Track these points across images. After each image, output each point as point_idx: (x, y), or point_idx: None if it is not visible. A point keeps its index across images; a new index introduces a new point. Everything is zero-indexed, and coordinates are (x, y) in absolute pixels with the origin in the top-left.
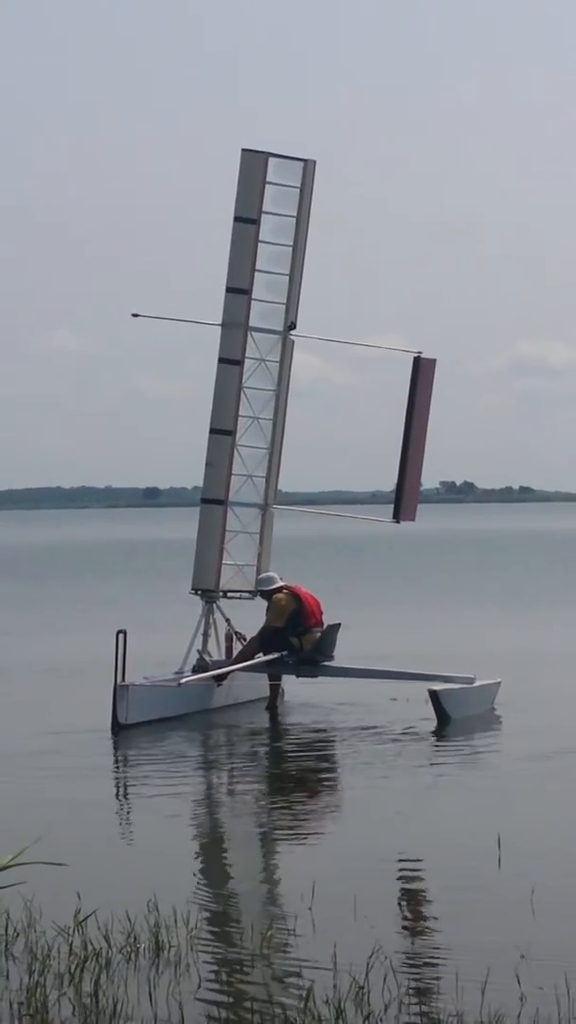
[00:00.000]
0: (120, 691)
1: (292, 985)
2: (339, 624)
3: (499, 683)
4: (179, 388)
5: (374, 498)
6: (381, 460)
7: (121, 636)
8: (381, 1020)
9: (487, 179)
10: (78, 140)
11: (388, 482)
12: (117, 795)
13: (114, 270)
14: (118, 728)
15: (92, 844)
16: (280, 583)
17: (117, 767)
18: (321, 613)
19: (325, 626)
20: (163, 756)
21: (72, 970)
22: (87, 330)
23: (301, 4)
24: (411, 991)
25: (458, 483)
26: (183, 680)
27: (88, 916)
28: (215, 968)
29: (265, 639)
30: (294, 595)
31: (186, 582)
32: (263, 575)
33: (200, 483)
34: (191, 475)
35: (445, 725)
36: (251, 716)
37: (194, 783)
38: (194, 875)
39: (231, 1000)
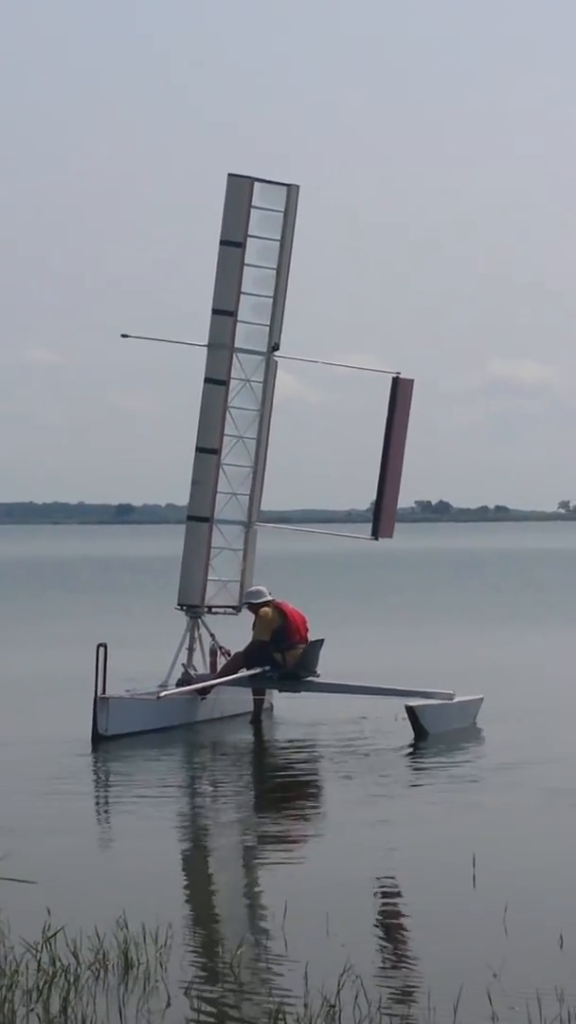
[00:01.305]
0: (100, 703)
1: (263, 1003)
2: (322, 640)
3: (481, 699)
4: (154, 405)
5: (349, 517)
6: (356, 479)
7: (102, 649)
8: None
9: (460, 199)
10: (60, 156)
11: (363, 501)
12: (92, 808)
13: (91, 287)
14: (98, 739)
15: (63, 859)
16: (268, 597)
17: (95, 780)
18: (306, 630)
19: (308, 642)
20: (141, 769)
21: (40, 986)
22: (63, 345)
23: (282, 17)
24: (382, 1010)
25: (433, 503)
26: (163, 694)
27: (57, 932)
28: (184, 986)
29: (251, 653)
30: (279, 610)
31: (163, 598)
32: (252, 589)
33: (174, 500)
34: (164, 492)
35: (422, 740)
36: (233, 730)
37: (170, 798)
38: (165, 892)
39: (200, 1018)
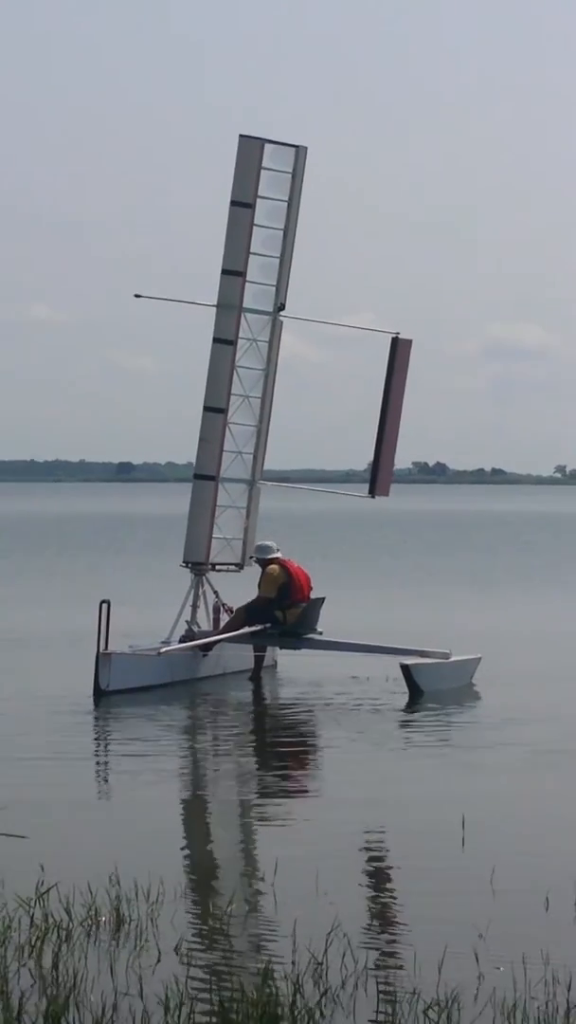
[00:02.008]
0: (103, 659)
1: (251, 960)
2: (323, 598)
3: (479, 659)
4: (155, 364)
5: (347, 477)
6: (355, 440)
7: (104, 606)
8: (338, 996)
9: (463, 163)
10: (62, 121)
11: (361, 461)
12: (89, 764)
13: (94, 246)
14: (100, 695)
15: (58, 814)
16: (276, 553)
17: (94, 735)
18: (310, 589)
19: (309, 600)
20: (141, 725)
21: (33, 942)
22: (65, 303)
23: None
24: (369, 968)
25: (431, 464)
26: (164, 649)
27: (50, 888)
28: (175, 942)
29: (255, 609)
30: (285, 568)
31: (163, 556)
32: (261, 543)
33: (173, 459)
34: (165, 451)
35: (417, 698)
36: (234, 687)
37: (167, 753)
38: (157, 848)
39: (190, 975)
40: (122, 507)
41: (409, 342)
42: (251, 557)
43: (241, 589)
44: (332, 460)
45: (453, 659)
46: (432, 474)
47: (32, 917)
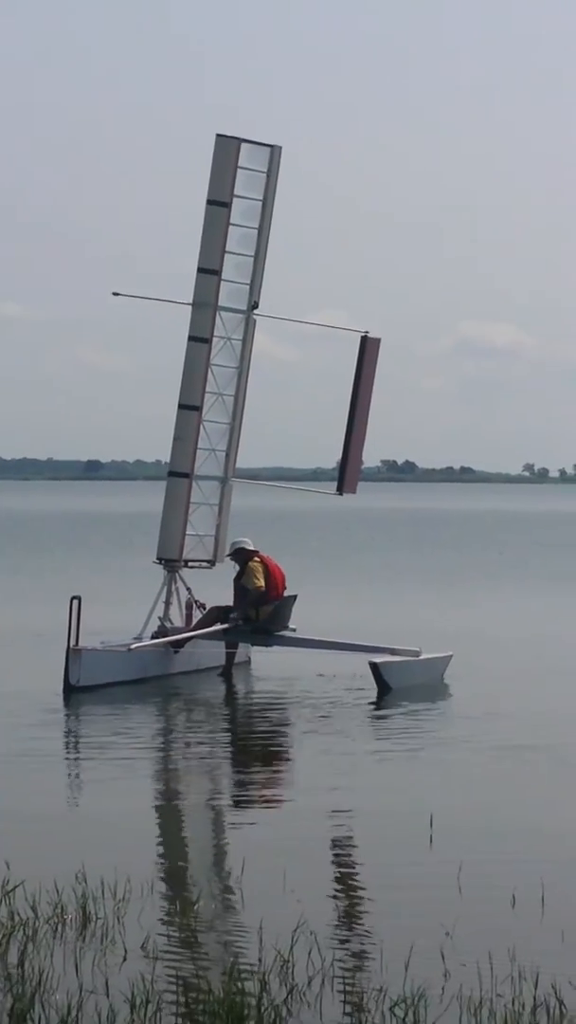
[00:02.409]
0: (73, 654)
1: (218, 958)
2: (295, 596)
3: (450, 656)
4: (125, 362)
5: (315, 475)
6: (323, 438)
7: (75, 602)
8: (305, 994)
9: (433, 160)
10: (38, 119)
11: (330, 459)
12: (58, 760)
13: (63, 242)
14: (70, 690)
15: (25, 811)
16: (252, 548)
17: (63, 731)
18: (284, 587)
19: (281, 598)
20: (110, 721)
21: None
22: (33, 300)
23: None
24: (336, 965)
25: (400, 462)
26: (134, 646)
27: (16, 887)
28: (141, 940)
29: (253, 600)
30: (263, 564)
31: (132, 554)
32: (239, 540)
33: (142, 457)
34: (133, 449)
35: (385, 695)
36: (204, 683)
37: (136, 751)
38: (124, 846)
39: (157, 972)
40: (90, 505)
41: (377, 341)
42: (227, 555)
43: (213, 585)
44: (300, 458)
45: (423, 657)
46: (401, 472)
47: None
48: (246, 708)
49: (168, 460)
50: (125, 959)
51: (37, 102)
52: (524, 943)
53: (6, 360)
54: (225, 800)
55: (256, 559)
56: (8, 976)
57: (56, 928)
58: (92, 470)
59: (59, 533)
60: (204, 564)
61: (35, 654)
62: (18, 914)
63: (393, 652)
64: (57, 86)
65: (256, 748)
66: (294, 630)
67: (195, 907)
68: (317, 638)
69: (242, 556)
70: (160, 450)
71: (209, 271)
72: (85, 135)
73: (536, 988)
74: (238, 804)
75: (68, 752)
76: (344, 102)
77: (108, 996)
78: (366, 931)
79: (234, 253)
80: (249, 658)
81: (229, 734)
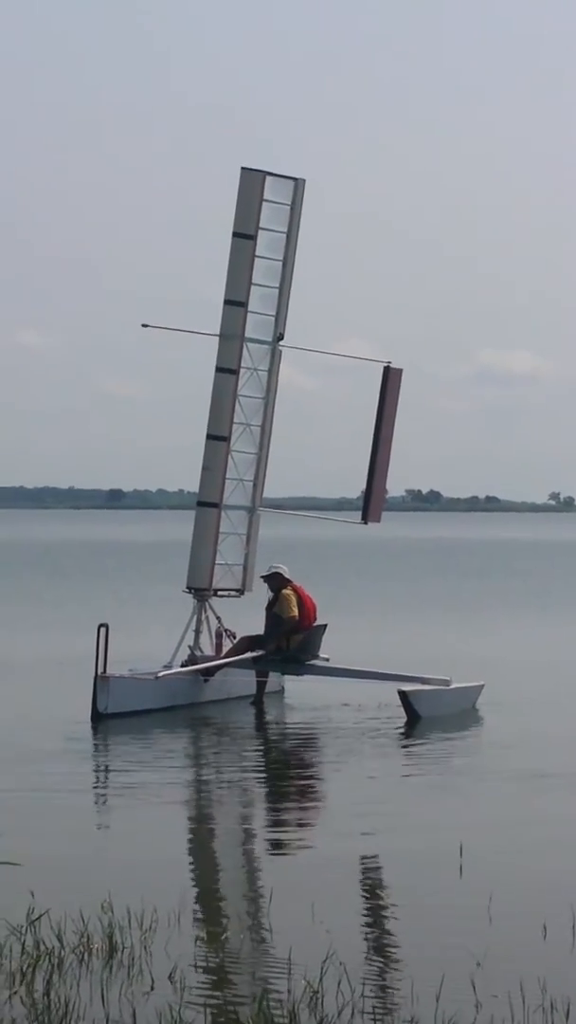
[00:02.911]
0: (101, 681)
1: (246, 988)
2: (325, 625)
3: (482, 686)
4: (146, 391)
5: (339, 505)
6: (347, 467)
7: (103, 629)
8: None
9: (453, 188)
10: (53, 144)
11: (354, 489)
12: (84, 788)
13: (84, 272)
14: (98, 718)
15: (51, 839)
16: (287, 577)
17: (91, 759)
18: (315, 617)
19: (311, 627)
20: (137, 749)
21: (24, 969)
22: (53, 329)
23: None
24: (365, 996)
25: (424, 492)
26: (161, 673)
27: (41, 915)
28: (168, 970)
29: (287, 630)
30: (296, 593)
31: (157, 583)
32: (276, 565)
33: (164, 486)
34: (155, 478)
35: (415, 724)
36: (235, 711)
37: (163, 780)
38: (150, 875)
39: (183, 1003)
40: (112, 534)
41: (400, 371)
42: (262, 576)
43: (242, 615)
44: (324, 488)
45: (454, 686)
46: (426, 502)
47: (23, 944)
48: (275, 737)
49: (192, 489)
50: (152, 989)
51: (64, 138)
52: (556, 973)
53: (28, 389)
54: (253, 830)
55: (289, 588)
56: (34, 1005)
57: (82, 957)
58: (114, 499)
59: (81, 562)
60: (233, 593)
61: (59, 682)
62: (44, 943)
63: (424, 681)
64: (67, 104)
65: (284, 778)
66: (327, 659)
67: (223, 937)
68: (347, 667)
69: (276, 583)
70: (182, 479)
71: (236, 303)
72: (107, 164)
73: (568, 1019)
74: (266, 834)
75: (95, 780)
76: (354, 123)
77: None
78: (396, 962)
79: (260, 285)
80: (283, 687)
81: (257, 763)
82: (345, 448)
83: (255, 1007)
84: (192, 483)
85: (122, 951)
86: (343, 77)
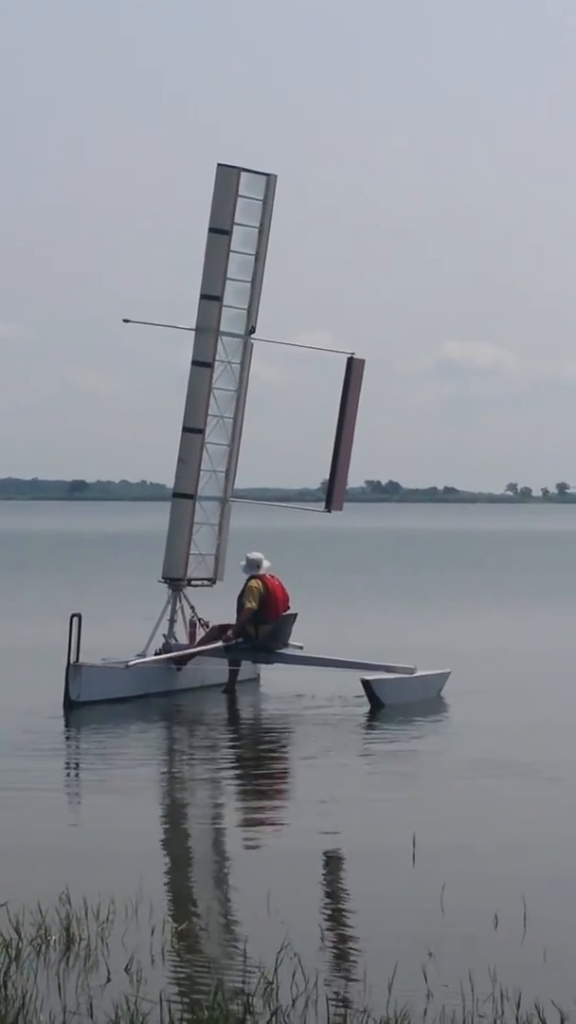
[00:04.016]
0: (73, 670)
1: (202, 979)
2: (295, 615)
3: (447, 673)
4: (110, 383)
5: (301, 496)
6: (308, 458)
7: (75, 619)
8: (289, 1015)
9: (416, 178)
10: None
11: (315, 480)
12: (45, 778)
13: (48, 263)
14: (70, 706)
15: (10, 830)
16: (261, 570)
17: (55, 749)
18: (286, 607)
19: (280, 616)
20: (104, 739)
21: None
22: (17, 321)
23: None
24: (319, 986)
25: (383, 482)
26: (131, 662)
27: (0, 906)
28: (125, 962)
29: (242, 618)
30: (265, 585)
31: (126, 573)
32: (253, 557)
33: (127, 477)
34: (118, 469)
35: (379, 711)
36: (206, 700)
37: (126, 769)
38: (108, 867)
39: (140, 994)
40: (77, 525)
41: (363, 362)
42: (242, 564)
43: (214, 604)
44: (285, 479)
45: (418, 674)
46: (385, 492)
47: None
48: (242, 726)
49: (155, 480)
50: (109, 980)
51: (40, 122)
52: (506, 963)
53: None
54: (212, 822)
55: (256, 579)
56: None
57: (40, 949)
58: (77, 490)
59: (47, 552)
60: (206, 582)
61: (30, 671)
62: (1, 935)
63: (389, 669)
64: (51, 98)
65: (244, 767)
66: (301, 647)
67: (179, 929)
68: (316, 656)
69: (250, 572)
70: (145, 471)
71: (211, 297)
72: (78, 156)
73: (518, 1008)
74: (225, 826)
75: (59, 770)
76: (330, 121)
77: (92, 1017)
78: (350, 951)
79: (233, 279)
80: (258, 675)
81: (222, 754)
82: (305, 439)
83: (211, 998)
84: (155, 475)
85: (79, 943)
86: (316, 76)
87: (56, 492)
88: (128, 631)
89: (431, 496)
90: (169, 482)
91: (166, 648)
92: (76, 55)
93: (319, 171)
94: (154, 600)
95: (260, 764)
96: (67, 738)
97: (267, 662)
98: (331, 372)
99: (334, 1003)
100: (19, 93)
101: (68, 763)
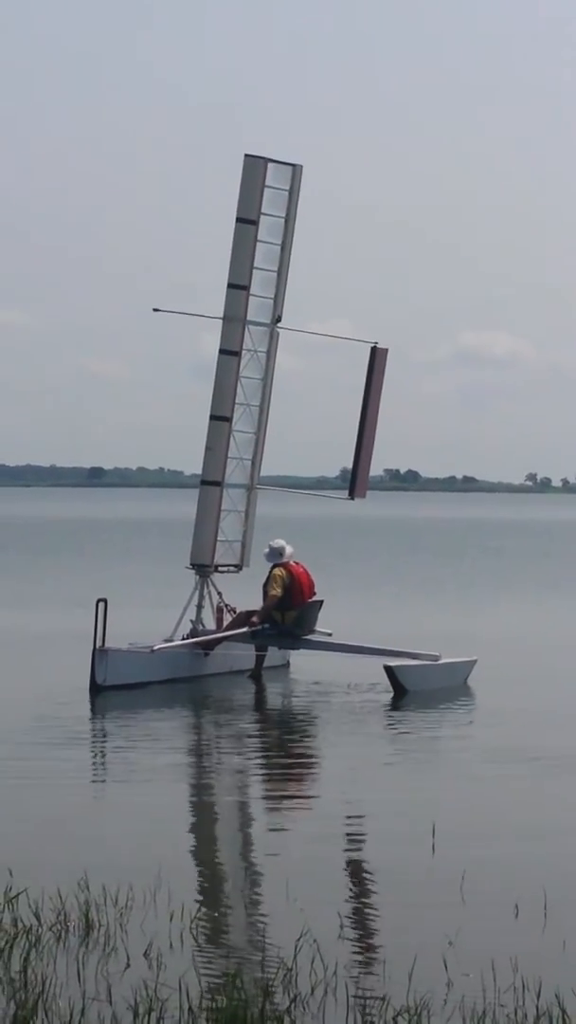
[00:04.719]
0: (99, 654)
1: (220, 966)
2: (321, 601)
3: (474, 661)
4: (127, 369)
5: (319, 484)
6: (326, 446)
7: (101, 604)
8: (308, 1003)
9: (435, 170)
10: (40, 132)
11: (333, 468)
12: (68, 762)
13: (67, 252)
14: (96, 690)
15: (29, 816)
16: (285, 558)
17: (77, 734)
18: (312, 594)
19: (306, 603)
20: (127, 723)
21: (1, 947)
22: (36, 308)
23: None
24: (339, 974)
25: (402, 471)
26: (156, 647)
27: (19, 893)
28: (144, 948)
29: (267, 605)
30: (290, 572)
31: (147, 560)
32: (276, 545)
33: (145, 464)
34: (136, 456)
35: (401, 697)
36: (231, 686)
37: (150, 751)
38: (127, 853)
39: (159, 980)
40: (95, 512)
41: (386, 351)
42: (264, 552)
43: (240, 590)
44: (302, 466)
45: (443, 661)
46: (404, 481)
47: (0, 922)
48: (266, 711)
49: (173, 468)
50: (128, 966)
51: (48, 107)
52: (527, 952)
53: (10, 368)
54: (232, 808)
55: (280, 567)
56: (11, 983)
57: (59, 935)
58: (95, 477)
59: (67, 539)
60: (232, 569)
61: (54, 657)
62: (21, 920)
63: (413, 656)
64: (70, 87)
65: (266, 752)
66: (330, 634)
67: (197, 915)
68: (342, 642)
69: (273, 560)
70: (163, 458)
71: (239, 287)
72: (96, 146)
73: (539, 998)
74: (244, 812)
75: (84, 754)
76: (350, 114)
77: (111, 1003)
78: (369, 940)
79: (260, 269)
80: (288, 661)
81: (242, 737)
82: (322, 427)
83: (229, 985)
84: (172, 462)
85: (98, 929)
86: (336, 70)
87: (74, 479)
88: (151, 617)
89: (450, 485)
90: (187, 469)
91: (193, 633)
92: (97, 46)
93: (334, 159)
94: (174, 587)
95: (281, 749)
96: (92, 722)
97: (292, 648)
98: (348, 360)
99: (353, 990)
100: (40, 85)
101: (92, 747)
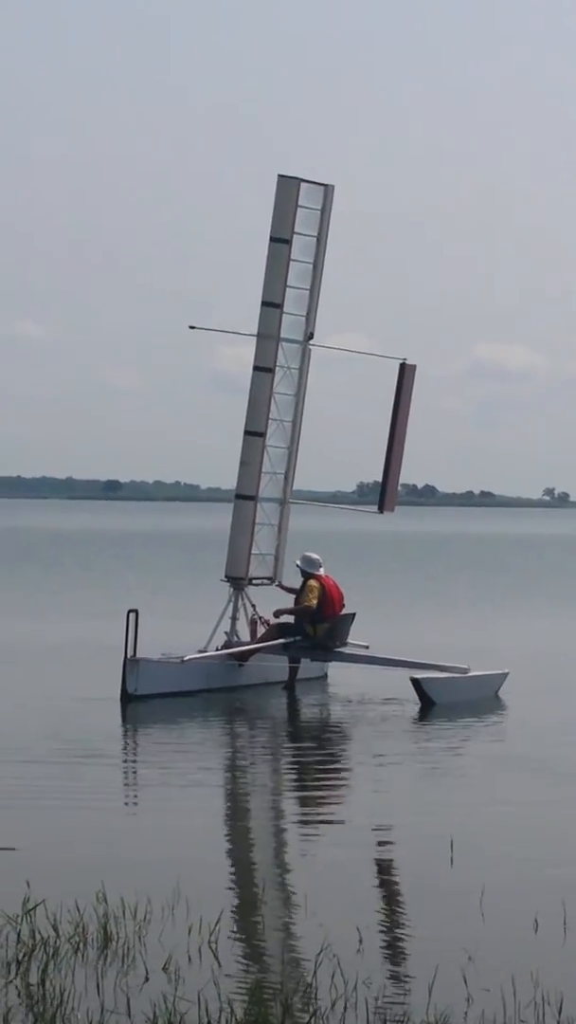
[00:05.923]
0: (130, 664)
1: (240, 980)
2: (353, 614)
3: (505, 674)
4: (144, 382)
5: (334, 498)
6: (342, 460)
7: (132, 615)
8: (328, 1018)
9: (449, 181)
10: (66, 150)
11: (349, 482)
12: (88, 777)
13: (84, 264)
14: (127, 700)
15: (49, 827)
16: (319, 570)
17: (111, 741)
18: (342, 606)
19: (339, 615)
20: (158, 731)
21: (20, 959)
22: (53, 320)
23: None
24: (358, 989)
25: (420, 486)
26: (187, 657)
27: (37, 905)
28: (163, 961)
29: (301, 616)
30: (322, 584)
31: (168, 572)
32: (310, 556)
33: (161, 478)
34: (152, 469)
35: (429, 710)
36: (263, 697)
37: (172, 764)
38: (144, 865)
39: (177, 994)
40: (113, 524)
41: (414, 367)
42: (296, 563)
43: (273, 602)
44: (318, 481)
45: (472, 674)
46: (421, 496)
47: (19, 933)
48: (297, 723)
49: (189, 481)
50: (147, 980)
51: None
52: (547, 967)
53: (27, 379)
54: (250, 822)
55: (314, 579)
56: (29, 995)
57: (77, 947)
58: (111, 489)
59: (87, 552)
60: (265, 581)
61: (84, 667)
62: (39, 932)
63: (442, 669)
64: (85, 85)
65: (291, 764)
66: (367, 647)
67: (216, 928)
68: (374, 655)
69: (312, 570)
70: (179, 471)
71: (273, 304)
72: (111, 159)
73: (560, 1013)
74: (263, 827)
75: (100, 770)
76: (363, 125)
77: (130, 1016)
78: (389, 954)
79: (293, 287)
80: (325, 673)
81: (269, 748)
82: (339, 441)
83: (248, 998)
84: (189, 475)
85: (117, 941)
86: (349, 79)
87: (90, 492)
88: (176, 628)
89: (467, 500)
90: (203, 483)
91: (227, 645)
92: (124, 61)
93: (350, 172)
94: (203, 598)
95: (306, 761)
96: (123, 731)
97: (324, 660)
98: (364, 376)
99: (373, 1006)
100: (64, 96)
101: (118, 757)
